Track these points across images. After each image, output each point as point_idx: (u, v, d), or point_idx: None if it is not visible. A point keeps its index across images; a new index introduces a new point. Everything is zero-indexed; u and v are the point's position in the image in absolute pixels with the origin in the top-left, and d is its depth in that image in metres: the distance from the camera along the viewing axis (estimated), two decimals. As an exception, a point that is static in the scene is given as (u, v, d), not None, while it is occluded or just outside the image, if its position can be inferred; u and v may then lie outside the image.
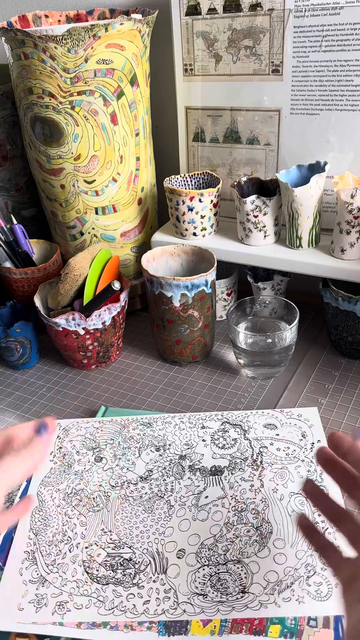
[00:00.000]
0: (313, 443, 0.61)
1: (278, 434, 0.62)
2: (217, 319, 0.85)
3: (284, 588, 0.47)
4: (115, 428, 0.65)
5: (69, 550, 0.53)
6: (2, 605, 0.49)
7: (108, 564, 0.51)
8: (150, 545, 0.52)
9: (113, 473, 0.60)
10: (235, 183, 0.74)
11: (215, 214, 0.78)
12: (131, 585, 0.49)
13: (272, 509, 0.54)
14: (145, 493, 0.57)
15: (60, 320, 0.71)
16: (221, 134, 0.78)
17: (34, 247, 0.85)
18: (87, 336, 0.73)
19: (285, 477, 0.57)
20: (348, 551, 0.39)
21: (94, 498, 0.58)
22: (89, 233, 0.81)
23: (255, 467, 0.59)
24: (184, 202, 0.75)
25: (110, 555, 0.52)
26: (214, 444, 0.62)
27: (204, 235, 0.79)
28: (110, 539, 0.53)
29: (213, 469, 0.59)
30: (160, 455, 0.61)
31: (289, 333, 0.69)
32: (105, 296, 0.71)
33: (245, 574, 0.49)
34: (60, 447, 0.64)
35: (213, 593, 0.48)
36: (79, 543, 0.53)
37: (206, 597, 0.48)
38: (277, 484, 0.56)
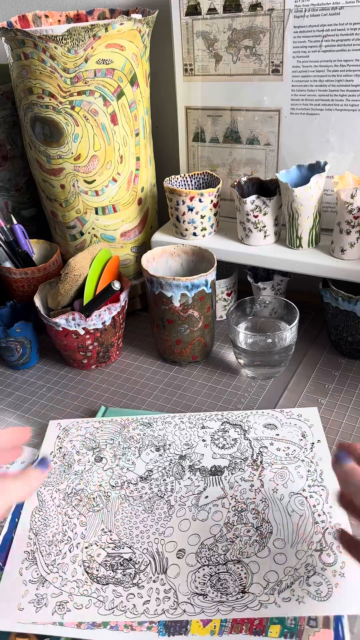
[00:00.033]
0: (313, 443, 0.61)
1: (278, 434, 0.62)
2: (217, 319, 0.85)
3: (284, 588, 0.47)
4: (115, 428, 0.65)
5: (69, 550, 0.53)
6: (2, 605, 0.49)
7: (108, 564, 0.51)
8: (150, 545, 0.52)
9: (113, 473, 0.60)
10: (235, 183, 0.74)
11: (215, 214, 0.78)
12: (131, 585, 0.49)
13: (272, 509, 0.54)
14: (145, 493, 0.57)
15: (60, 320, 0.71)
16: (221, 134, 0.78)
17: (34, 247, 0.85)
18: (87, 336, 0.73)
19: (285, 477, 0.57)
20: None
21: (94, 498, 0.58)
22: (89, 233, 0.81)
23: (255, 467, 0.59)
24: (184, 202, 0.75)
25: (110, 555, 0.52)
26: (214, 444, 0.62)
27: (204, 235, 0.79)
28: (110, 539, 0.53)
29: (213, 469, 0.59)
30: (160, 455, 0.61)
31: (289, 333, 0.69)
32: (105, 296, 0.71)
33: (245, 574, 0.49)
34: (60, 447, 0.64)
35: (213, 593, 0.48)
36: (79, 543, 0.53)
37: (206, 597, 0.48)
38: (277, 484, 0.56)
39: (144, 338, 0.84)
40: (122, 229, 0.81)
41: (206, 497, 0.56)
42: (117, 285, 0.70)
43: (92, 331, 0.73)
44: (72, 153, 0.73)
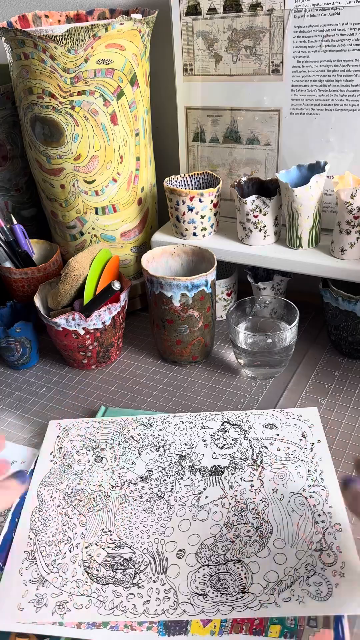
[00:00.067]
0: (313, 443, 0.61)
1: (278, 434, 0.62)
2: (217, 319, 0.85)
3: (284, 588, 0.47)
4: (115, 428, 0.65)
5: (69, 550, 0.53)
6: (2, 605, 0.49)
7: (108, 564, 0.51)
8: (150, 545, 0.52)
9: (113, 473, 0.60)
10: (235, 183, 0.74)
11: (215, 214, 0.78)
12: (131, 585, 0.49)
13: (272, 509, 0.54)
14: (145, 493, 0.57)
15: (60, 320, 0.71)
16: (221, 134, 0.78)
17: (34, 247, 0.85)
18: (87, 336, 0.73)
19: (285, 477, 0.57)
20: None
21: (94, 498, 0.58)
22: (89, 233, 0.81)
23: (255, 467, 0.59)
24: (184, 202, 0.75)
25: (110, 555, 0.52)
26: (214, 444, 0.62)
27: (204, 235, 0.79)
28: (110, 539, 0.53)
29: (213, 469, 0.59)
30: (160, 455, 0.61)
31: (289, 333, 0.69)
32: (105, 296, 0.71)
33: (245, 574, 0.49)
34: (60, 447, 0.64)
35: (213, 593, 0.48)
36: (79, 543, 0.53)
37: (206, 597, 0.48)
38: (277, 484, 0.56)
39: (144, 338, 0.84)
40: (122, 229, 0.81)
41: (206, 497, 0.56)
42: (117, 285, 0.70)
43: (92, 331, 0.73)
44: (72, 153, 0.73)
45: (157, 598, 0.48)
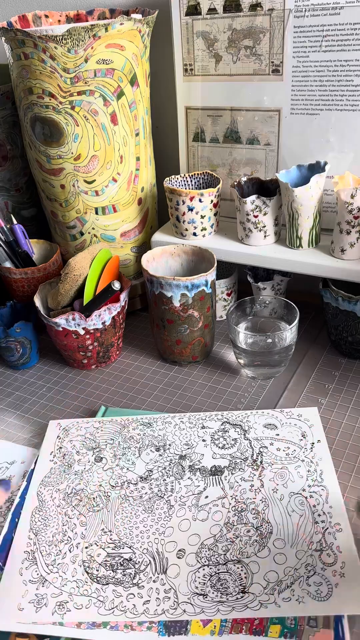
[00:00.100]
0: (313, 443, 0.61)
1: (278, 434, 0.62)
2: (217, 319, 0.85)
3: (284, 588, 0.47)
4: (115, 428, 0.65)
5: (69, 550, 0.53)
6: (2, 605, 0.49)
7: (108, 564, 0.51)
8: (150, 545, 0.52)
9: (113, 473, 0.60)
10: (235, 183, 0.74)
11: (215, 214, 0.78)
12: (131, 585, 0.49)
13: (272, 509, 0.54)
14: (145, 493, 0.57)
15: (60, 320, 0.71)
16: (221, 134, 0.78)
17: (34, 247, 0.85)
18: (87, 336, 0.73)
19: (285, 477, 0.57)
20: None
21: (94, 498, 0.58)
22: (89, 233, 0.81)
23: (255, 467, 0.59)
24: (184, 202, 0.75)
25: (110, 555, 0.52)
26: (214, 444, 0.62)
27: (204, 235, 0.79)
28: (110, 539, 0.53)
29: (213, 469, 0.59)
30: (160, 455, 0.61)
31: (289, 333, 0.69)
32: (105, 296, 0.71)
33: (245, 574, 0.49)
34: (60, 447, 0.64)
35: (213, 593, 0.48)
36: (79, 543, 0.53)
37: (206, 597, 0.48)
38: (277, 484, 0.56)
39: (144, 338, 0.84)
40: (122, 229, 0.81)
41: (206, 497, 0.56)
42: (117, 285, 0.70)
43: (92, 331, 0.73)
44: (72, 153, 0.73)
45: (157, 598, 0.48)
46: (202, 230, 0.78)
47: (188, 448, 0.62)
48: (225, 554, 0.51)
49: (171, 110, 0.84)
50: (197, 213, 0.76)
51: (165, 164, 0.91)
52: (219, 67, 0.74)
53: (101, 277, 0.74)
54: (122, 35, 0.68)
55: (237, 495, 0.56)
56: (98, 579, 0.50)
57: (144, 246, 0.85)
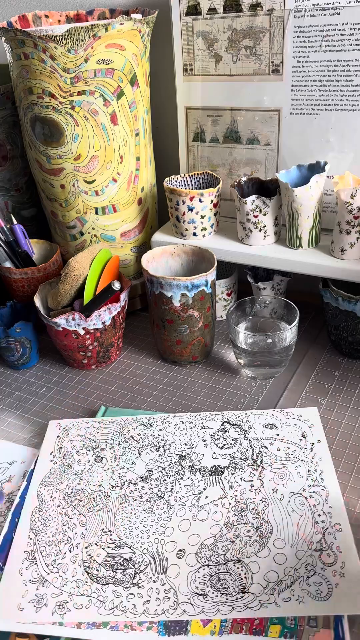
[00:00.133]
0: (313, 443, 0.61)
1: (278, 434, 0.62)
2: (217, 319, 0.85)
3: (284, 588, 0.47)
4: (115, 428, 0.65)
5: (69, 550, 0.53)
6: (2, 605, 0.49)
7: (108, 564, 0.51)
8: (150, 545, 0.52)
9: (113, 473, 0.60)
10: (235, 183, 0.74)
11: (215, 214, 0.78)
12: (131, 585, 0.49)
13: (272, 509, 0.54)
14: (145, 493, 0.57)
15: (60, 320, 0.71)
16: (221, 134, 0.78)
17: (34, 247, 0.85)
18: (87, 336, 0.73)
19: (285, 477, 0.57)
20: None
21: (94, 498, 0.58)
22: (89, 233, 0.81)
23: (255, 467, 0.59)
24: (184, 202, 0.75)
25: (110, 555, 0.52)
26: (214, 444, 0.62)
27: (204, 235, 0.79)
28: (110, 539, 0.53)
29: (213, 469, 0.59)
30: (160, 455, 0.61)
31: (289, 333, 0.69)
32: (105, 296, 0.71)
33: (245, 574, 0.49)
34: (60, 447, 0.64)
35: (213, 593, 0.48)
36: (79, 543, 0.53)
37: (206, 597, 0.48)
38: (277, 484, 0.56)
39: (144, 338, 0.84)
40: (122, 229, 0.81)
41: (206, 497, 0.56)
42: (117, 285, 0.70)
43: (92, 331, 0.73)
44: (72, 153, 0.73)
45: (157, 598, 0.48)
46: (202, 230, 0.78)
47: (188, 448, 0.62)
48: (225, 554, 0.51)
49: (171, 110, 0.84)
50: (197, 213, 0.76)
51: (165, 164, 0.91)
52: (219, 67, 0.74)
53: (101, 277, 0.74)
54: (122, 35, 0.68)
55: (237, 495, 0.56)
56: (98, 579, 0.50)
57: (144, 246, 0.85)
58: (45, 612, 0.48)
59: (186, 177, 0.80)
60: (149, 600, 0.48)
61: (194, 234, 0.78)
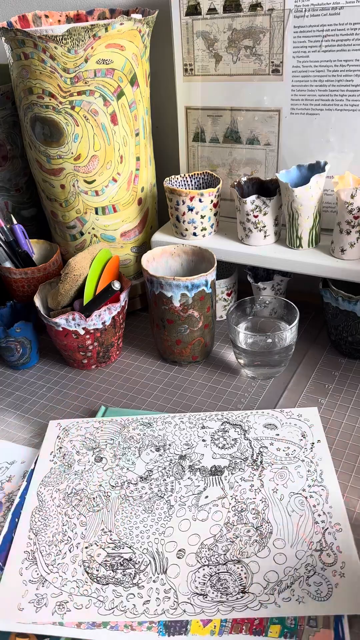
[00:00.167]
0: (313, 443, 0.61)
1: (278, 434, 0.62)
2: (217, 319, 0.85)
3: (284, 588, 0.47)
4: (115, 428, 0.65)
5: (69, 550, 0.53)
6: (2, 605, 0.49)
7: (108, 564, 0.51)
8: (150, 545, 0.52)
9: (113, 473, 0.60)
10: (235, 183, 0.74)
11: (215, 214, 0.78)
12: (131, 585, 0.49)
13: (272, 509, 0.54)
14: (145, 493, 0.57)
15: (60, 320, 0.71)
16: (221, 134, 0.78)
17: (34, 247, 0.85)
18: (87, 336, 0.73)
19: (285, 477, 0.57)
20: None
21: (94, 498, 0.58)
22: (89, 233, 0.81)
23: (255, 467, 0.59)
24: (184, 202, 0.75)
25: (110, 555, 0.52)
26: (214, 444, 0.62)
27: (204, 235, 0.79)
28: (110, 539, 0.53)
29: (213, 469, 0.59)
30: (160, 455, 0.61)
31: (289, 333, 0.69)
32: (105, 296, 0.71)
33: (245, 574, 0.49)
34: (60, 447, 0.64)
35: (213, 593, 0.48)
36: (79, 543, 0.53)
37: (206, 597, 0.48)
38: (277, 484, 0.56)
39: (144, 338, 0.84)
40: (122, 229, 0.81)
41: (206, 497, 0.56)
42: (117, 285, 0.70)
43: (92, 331, 0.73)
44: (72, 153, 0.73)
45: (157, 598, 0.48)
46: (202, 230, 0.78)
47: (188, 448, 0.62)
48: (225, 554, 0.51)
49: (171, 110, 0.84)
50: (197, 213, 0.76)
51: (165, 164, 0.91)
52: (219, 67, 0.74)
53: (101, 277, 0.74)
54: (122, 35, 0.68)
55: (237, 495, 0.56)
56: (98, 579, 0.50)
57: (144, 246, 0.85)
58: (45, 612, 0.48)
59: (186, 177, 0.80)
60: (149, 600, 0.48)
61: (194, 234, 0.78)
